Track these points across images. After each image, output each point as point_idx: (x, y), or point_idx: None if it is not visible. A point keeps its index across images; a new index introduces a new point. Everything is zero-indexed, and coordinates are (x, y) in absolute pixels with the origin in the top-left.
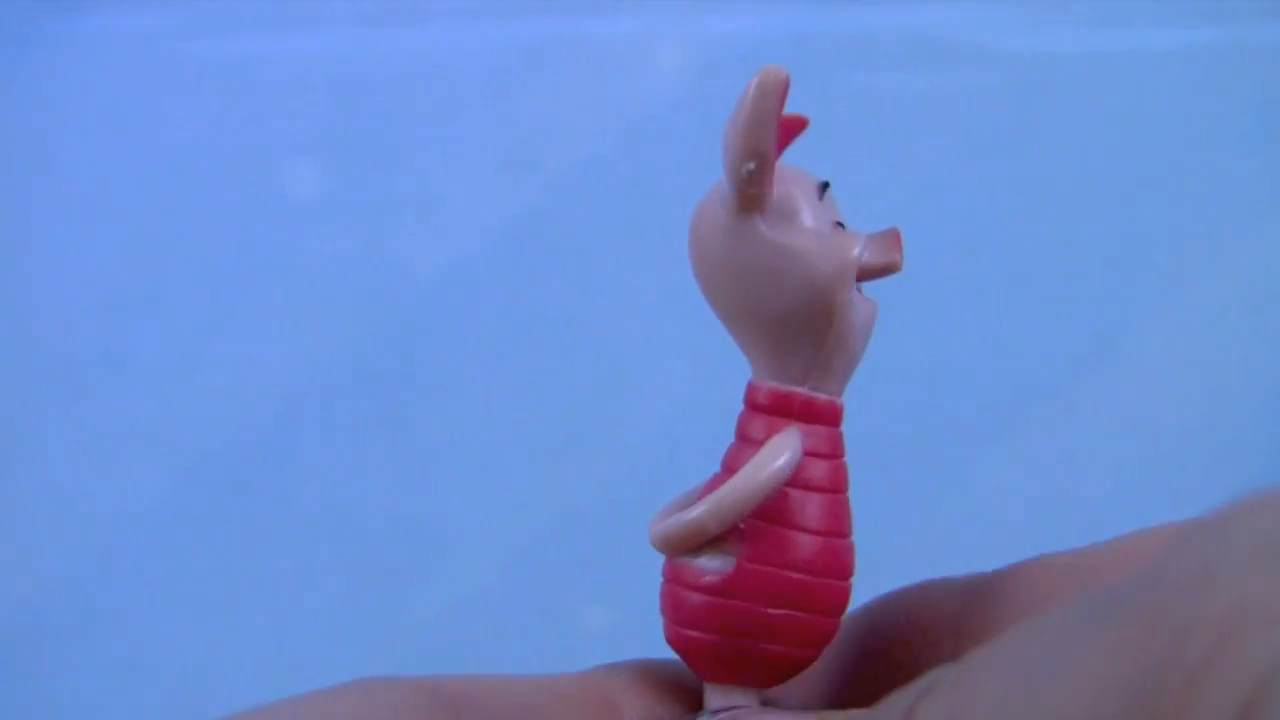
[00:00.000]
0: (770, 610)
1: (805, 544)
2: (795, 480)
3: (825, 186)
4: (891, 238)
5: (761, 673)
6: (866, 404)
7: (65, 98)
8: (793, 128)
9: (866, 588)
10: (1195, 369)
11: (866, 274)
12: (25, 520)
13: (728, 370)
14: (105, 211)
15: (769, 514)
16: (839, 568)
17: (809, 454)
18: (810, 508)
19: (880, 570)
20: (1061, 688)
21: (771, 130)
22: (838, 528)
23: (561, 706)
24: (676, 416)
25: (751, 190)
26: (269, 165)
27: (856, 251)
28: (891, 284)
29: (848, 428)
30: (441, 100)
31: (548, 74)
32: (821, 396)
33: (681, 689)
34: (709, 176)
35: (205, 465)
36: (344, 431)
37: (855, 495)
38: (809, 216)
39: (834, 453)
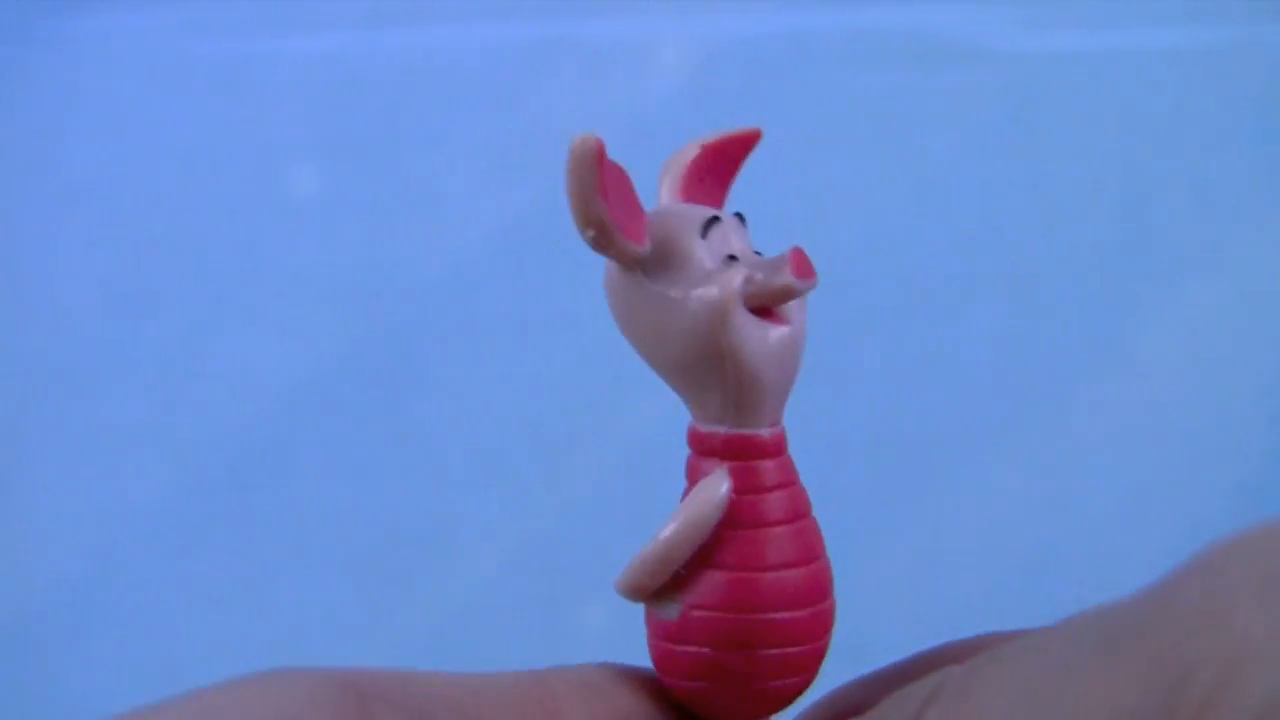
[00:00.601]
0: (723, 653)
1: (745, 583)
2: (729, 520)
3: (712, 221)
4: (784, 261)
5: (748, 708)
6: (867, 404)
7: (65, 98)
8: (745, 143)
9: (867, 587)
10: (1195, 369)
11: (759, 301)
12: (25, 520)
13: None
14: (105, 211)
15: (706, 557)
16: (793, 598)
17: (741, 491)
18: (747, 547)
19: (881, 569)
20: (1069, 707)
21: (595, 197)
22: (781, 560)
23: (489, 704)
24: (676, 416)
25: (609, 253)
26: (269, 165)
27: (737, 284)
28: (891, 284)
29: (848, 430)
30: (441, 100)
31: (548, 74)
32: (745, 432)
33: (638, 695)
34: None
35: (205, 465)
36: (344, 431)
37: (856, 494)
38: (687, 260)
39: (771, 485)
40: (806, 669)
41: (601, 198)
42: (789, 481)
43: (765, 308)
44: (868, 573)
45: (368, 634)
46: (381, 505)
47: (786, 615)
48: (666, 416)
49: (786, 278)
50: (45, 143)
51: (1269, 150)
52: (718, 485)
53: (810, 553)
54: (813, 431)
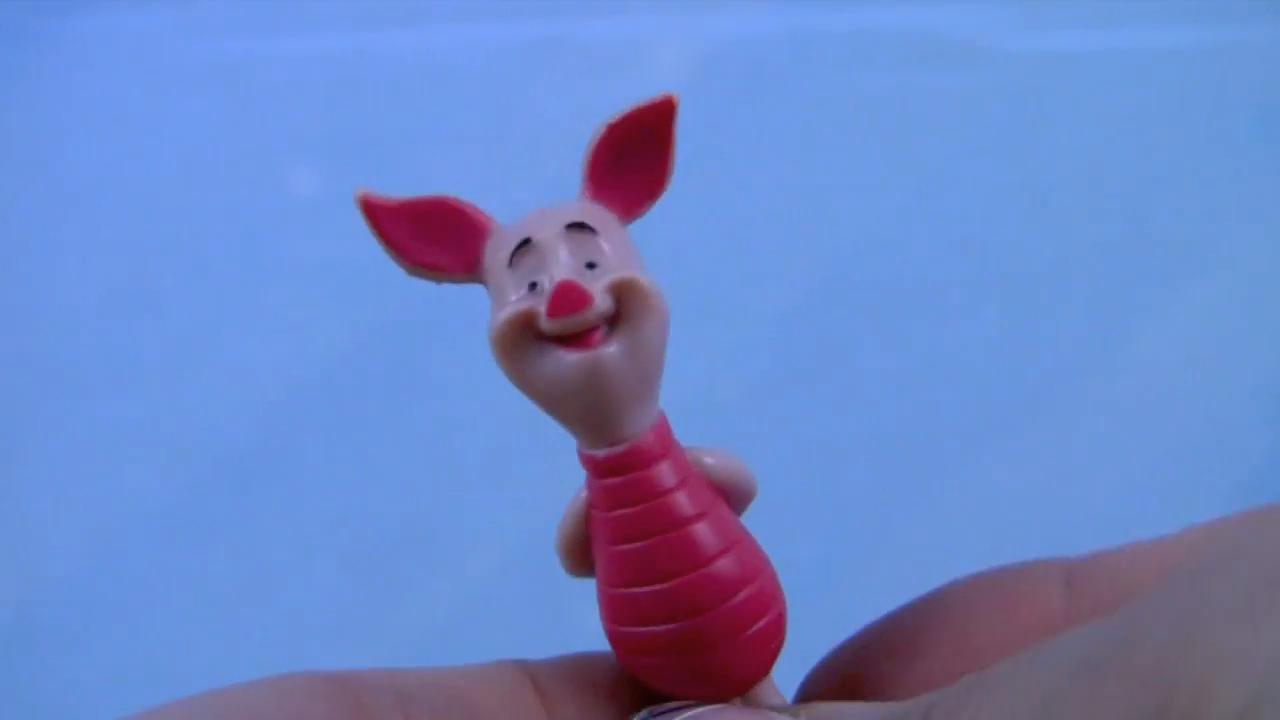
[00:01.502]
0: (627, 658)
1: (603, 595)
2: (593, 533)
3: (521, 246)
4: (552, 290)
5: (692, 690)
6: (866, 404)
7: (65, 98)
8: (659, 112)
9: (867, 586)
10: (1195, 369)
11: (551, 332)
12: (25, 520)
13: (724, 371)
14: (105, 211)
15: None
16: (647, 614)
17: (593, 506)
18: (601, 562)
19: (881, 569)
20: None
21: (394, 248)
22: (623, 579)
23: (475, 690)
24: (675, 416)
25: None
26: (269, 165)
27: (502, 318)
28: (891, 284)
29: (848, 429)
30: (441, 100)
31: (548, 74)
32: (585, 452)
33: (614, 685)
34: (708, 176)
35: (205, 465)
36: (344, 431)
37: (855, 494)
38: (496, 290)
39: (612, 504)
40: (710, 677)
41: (385, 242)
42: (636, 499)
43: (573, 333)
44: (868, 572)
45: (368, 634)
46: (381, 505)
47: (645, 630)
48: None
49: (539, 306)
50: (45, 143)
51: (1269, 150)
52: (576, 497)
53: (624, 579)
54: (813, 431)
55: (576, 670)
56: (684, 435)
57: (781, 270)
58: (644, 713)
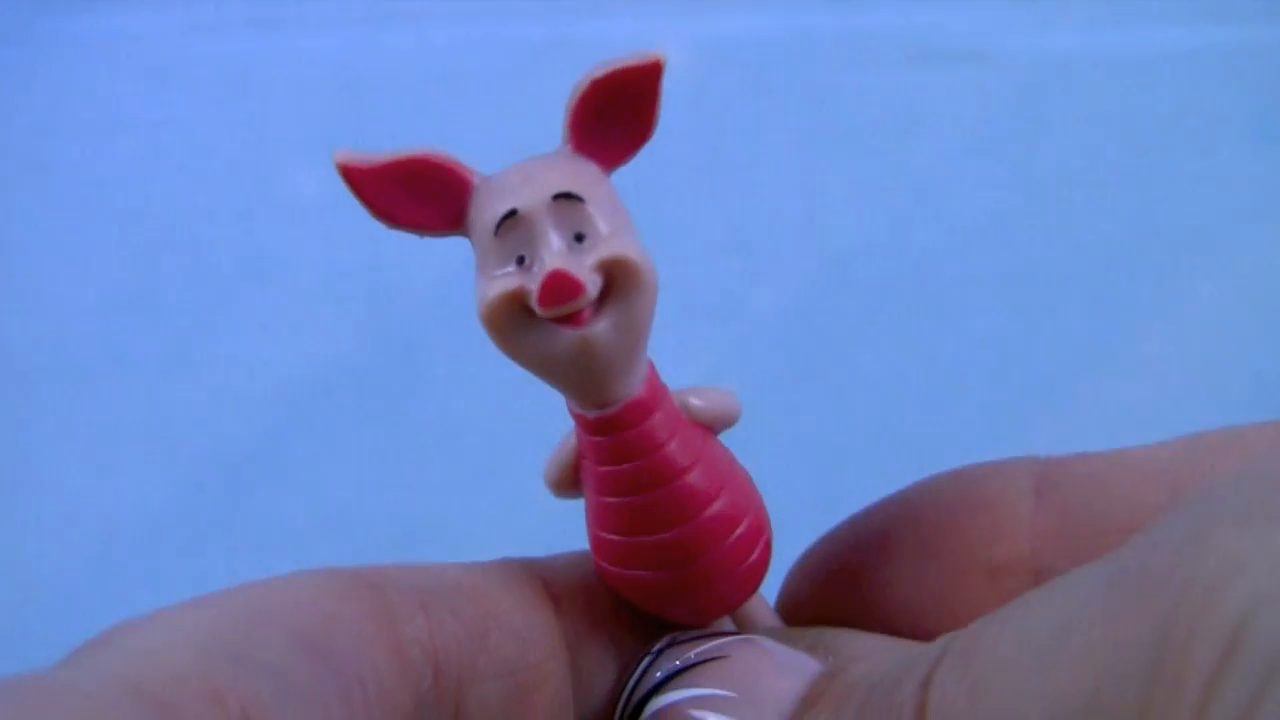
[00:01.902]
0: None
1: (593, 538)
2: (583, 479)
3: (508, 217)
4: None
5: (677, 612)
6: (866, 403)
7: (65, 98)
8: (647, 74)
9: None
10: (1196, 369)
11: (543, 317)
12: (25, 520)
13: (724, 370)
14: (104, 211)
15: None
16: (644, 560)
17: (582, 456)
18: (590, 508)
19: None
20: (1076, 653)
21: (376, 209)
22: (613, 527)
23: (491, 589)
24: None
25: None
26: (269, 166)
27: (491, 296)
28: (891, 284)
29: (847, 429)
30: (441, 100)
31: (548, 74)
32: (575, 410)
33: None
34: (708, 176)
35: (206, 465)
36: (344, 431)
37: (855, 494)
38: (482, 257)
39: (600, 459)
40: (702, 607)
41: (367, 204)
42: (628, 456)
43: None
44: None
45: None
46: (381, 505)
47: (636, 573)
48: None
49: (528, 284)
50: (45, 143)
51: (1269, 150)
52: (563, 442)
53: (658, 523)
54: (813, 431)
55: (582, 571)
56: None
57: (781, 269)
58: (665, 640)
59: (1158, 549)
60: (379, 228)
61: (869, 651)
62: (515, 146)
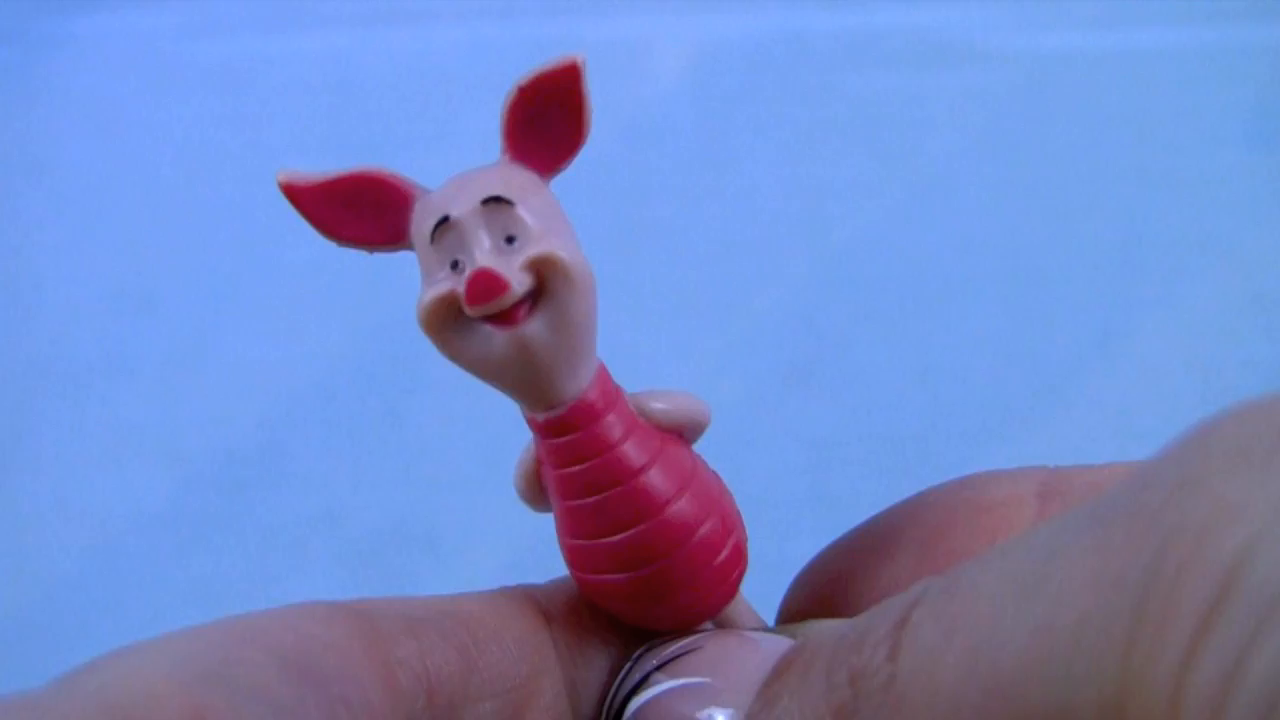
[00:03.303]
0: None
1: (564, 546)
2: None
3: (440, 224)
4: (468, 279)
5: (654, 619)
6: (866, 403)
7: (65, 98)
8: (567, 76)
9: None
10: (1196, 368)
11: (474, 316)
12: (25, 520)
13: (724, 371)
14: (104, 212)
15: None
16: (604, 563)
17: (541, 460)
18: (557, 513)
19: None
20: (1059, 588)
21: (319, 225)
22: (572, 530)
23: (482, 614)
24: None
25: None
26: (269, 166)
27: (427, 300)
28: (891, 284)
29: (847, 429)
30: (441, 100)
31: None
32: (526, 413)
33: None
34: (708, 176)
35: (205, 466)
36: (344, 432)
37: (856, 494)
38: (423, 264)
39: (556, 463)
40: (677, 614)
41: (310, 221)
42: (582, 458)
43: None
44: None
45: None
46: (381, 505)
47: (605, 578)
48: None
49: (457, 289)
50: (45, 143)
51: (1269, 150)
52: (525, 449)
53: (618, 523)
54: (813, 431)
55: (574, 588)
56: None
57: (781, 270)
58: (643, 648)
59: (1149, 489)
60: None
61: (842, 625)
62: None
